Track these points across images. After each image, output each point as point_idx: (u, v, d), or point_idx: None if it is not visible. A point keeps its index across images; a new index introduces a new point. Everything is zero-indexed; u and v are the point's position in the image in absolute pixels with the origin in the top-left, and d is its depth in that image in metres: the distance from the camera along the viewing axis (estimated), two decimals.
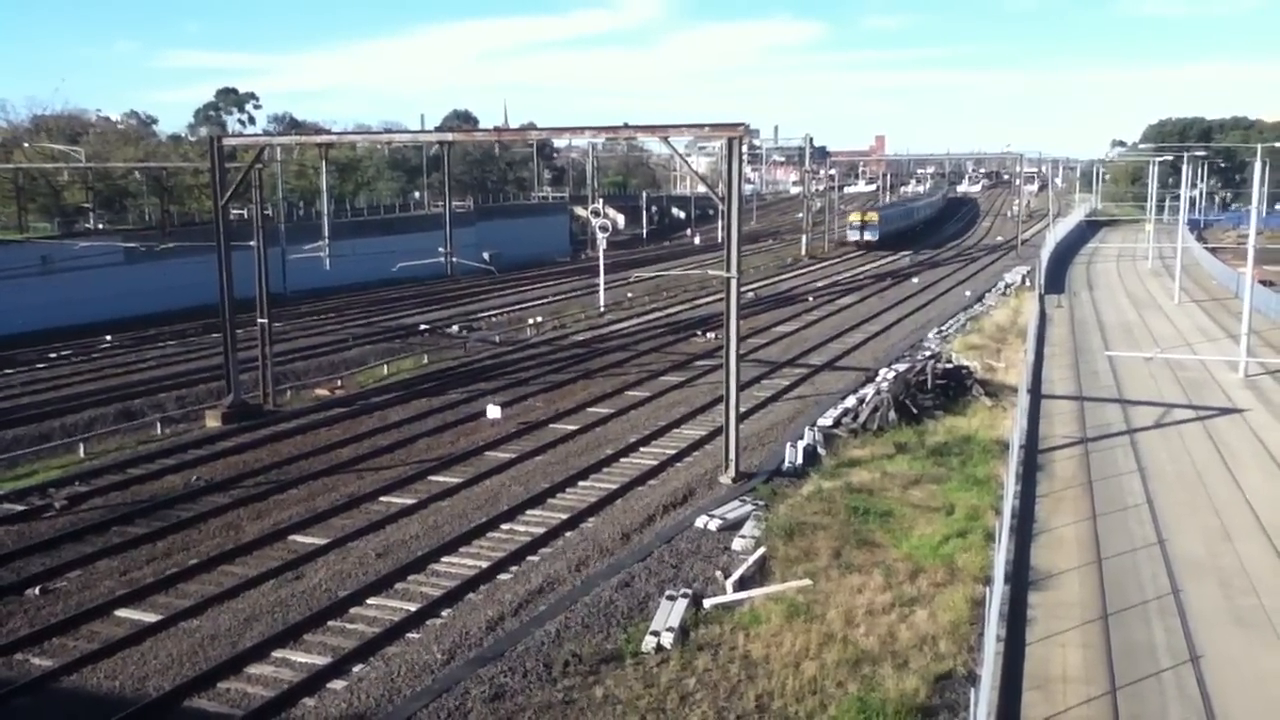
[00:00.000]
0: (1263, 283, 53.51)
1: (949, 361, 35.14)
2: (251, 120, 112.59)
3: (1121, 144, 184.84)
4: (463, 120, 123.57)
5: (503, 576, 20.43)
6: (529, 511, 24.23)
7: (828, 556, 19.48)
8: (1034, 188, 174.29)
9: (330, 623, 18.46)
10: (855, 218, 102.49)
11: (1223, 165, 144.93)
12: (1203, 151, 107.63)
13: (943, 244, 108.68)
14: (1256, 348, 39.48)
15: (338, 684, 16.20)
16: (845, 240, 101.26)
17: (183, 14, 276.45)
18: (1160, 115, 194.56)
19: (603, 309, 58.31)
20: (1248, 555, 19.37)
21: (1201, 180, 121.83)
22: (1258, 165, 39.67)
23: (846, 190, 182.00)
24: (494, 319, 56.01)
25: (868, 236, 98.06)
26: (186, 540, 22.60)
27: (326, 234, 36.79)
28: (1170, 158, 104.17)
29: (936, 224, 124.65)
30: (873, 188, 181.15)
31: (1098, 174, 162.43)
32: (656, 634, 16.44)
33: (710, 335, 47.58)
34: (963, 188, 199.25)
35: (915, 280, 75.50)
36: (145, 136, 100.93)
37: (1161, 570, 18.71)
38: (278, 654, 17.29)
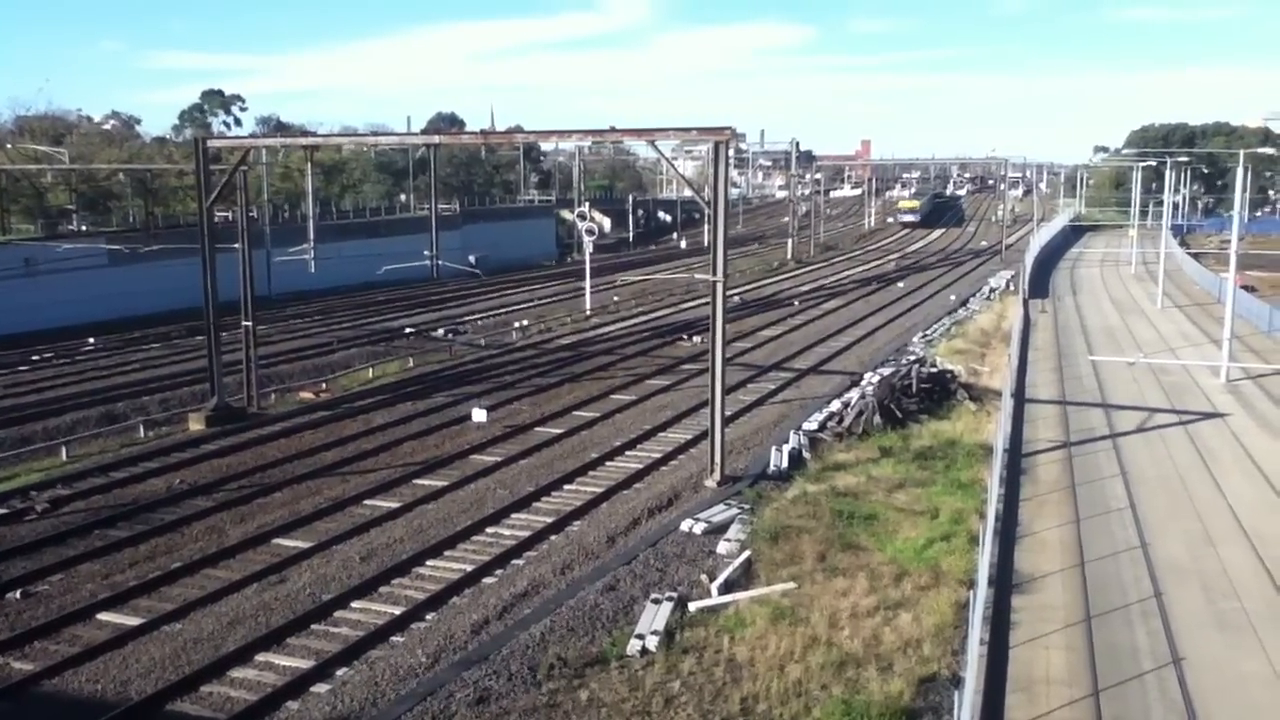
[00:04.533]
0: (1244, 288, 53.86)
1: (934, 366, 35.26)
2: (238, 122, 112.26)
3: (1104, 149, 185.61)
4: (449, 123, 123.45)
5: (488, 580, 20.40)
6: (514, 515, 24.19)
7: (813, 560, 19.52)
8: (1019, 193, 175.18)
9: (314, 626, 18.39)
10: (903, 206, 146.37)
11: (1205, 171, 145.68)
12: (1185, 157, 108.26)
13: (948, 226, 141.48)
14: (1238, 353, 39.72)
15: (321, 687, 16.14)
16: (896, 221, 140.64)
17: (168, 13, 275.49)
18: (1143, 121, 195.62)
19: (589, 312, 58.30)
20: (1229, 559, 19.49)
21: (1184, 186, 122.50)
22: (1239, 171, 39.91)
23: (833, 194, 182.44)
24: (480, 322, 55.93)
25: (912, 219, 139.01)
26: (169, 543, 22.49)
27: (312, 237, 36.81)
28: (1153, 163, 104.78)
29: (935, 215, 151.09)
30: (858, 192, 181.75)
31: (1082, 179, 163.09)
32: (641, 637, 16.44)
33: (696, 339, 47.62)
34: (948, 191, 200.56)
35: (900, 285, 75.78)
36: (129, 138, 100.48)
37: (1144, 573, 18.80)
38: (261, 657, 17.22)
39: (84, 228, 67.52)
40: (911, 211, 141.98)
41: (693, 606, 17.81)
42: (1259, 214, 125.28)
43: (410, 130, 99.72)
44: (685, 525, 21.79)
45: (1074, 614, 17.06)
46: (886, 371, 34.05)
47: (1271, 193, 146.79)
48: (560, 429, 32.29)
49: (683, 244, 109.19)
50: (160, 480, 27.02)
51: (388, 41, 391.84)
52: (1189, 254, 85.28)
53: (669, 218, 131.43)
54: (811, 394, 36.79)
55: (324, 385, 38.84)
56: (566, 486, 26.41)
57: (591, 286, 60.74)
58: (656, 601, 17.75)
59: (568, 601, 18.17)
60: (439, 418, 33.77)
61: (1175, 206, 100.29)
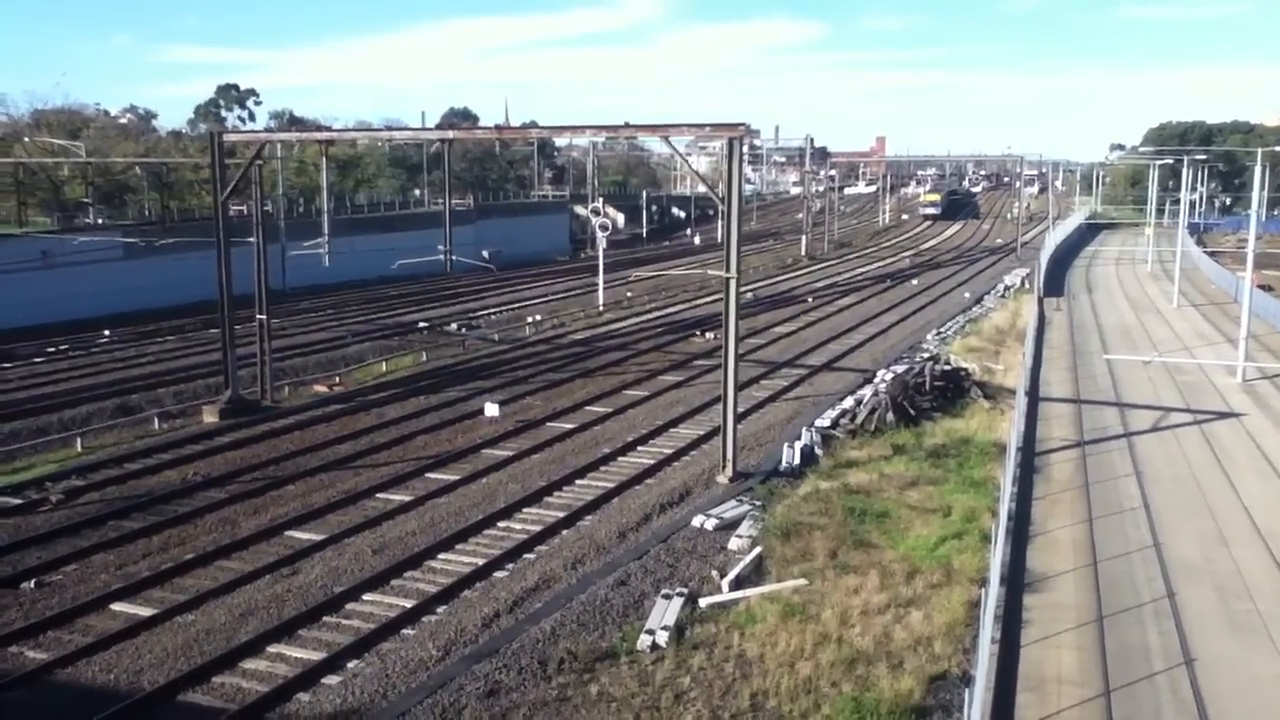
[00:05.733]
0: (1261, 287, 53.52)
1: (947, 363, 35.15)
2: (252, 117, 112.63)
3: (1121, 147, 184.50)
4: (463, 118, 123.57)
5: (499, 574, 20.43)
6: (526, 509, 24.23)
7: (824, 557, 19.51)
8: (1034, 190, 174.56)
9: (326, 618, 18.45)
10: (926, 199, 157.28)
11: (1222, 169, 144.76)
12: (1202, 155, 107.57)
13: (966, 219, 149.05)
14: (1254, 352, 39.49)
15: (332, 679, 16.20)
16: (919, 214, 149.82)
17: (182, 9, 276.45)
18: (1160, 118, 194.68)
19: (602, 308, 58.31)
20: (1243, 560, 19.39)
21: (1201, 184, 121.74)
22: (1257, 169, 39.68)
23: (847, 191, 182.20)
24: (493, 317, 56.00)
25: (933, 211, 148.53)
26: (183, 535, 22.60)
27: (326, 231, 36.77)
28: (1170, 161, 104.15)
29: (952, 210, 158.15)
30: (873, 189, 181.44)
31: (1098, 177, 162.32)
32: (652, 632, 16.46)
33: (709, 335, 47.58)
34: (963, 188, 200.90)
35: (915, 282, 75.56)
36: (145, 132, 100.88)
37: (1157, 573, 18.72)
38: (273, 649, 17.29)
39: (100, 221, 67.81)
40: (933, 204, 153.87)
41: (703, 602, 17.82)
42: (1276, 212, 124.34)
43: (424, 125, 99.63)
44: (696, 521, 21.79)
45: (1086, 613, 17.00)
46: (900, 369, 33.96)
47: None
48: (572, 424, 32.31)
49: (696, 240, 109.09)
50: (174, 472, 27.14)
51: (400, 37, 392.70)
52: (1205, 253, 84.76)
53: (683, 214, 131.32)
54: (824, 391, 36.71)
55: (337, 379, 38.95)
56: (578, 481, 26.43)
57: (605, 282, 60.74)
58: (667, 597, 17.76)
59: (578, 596, 18.21)
60: (451, 412, 33.83)
61: (1192, 205, 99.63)
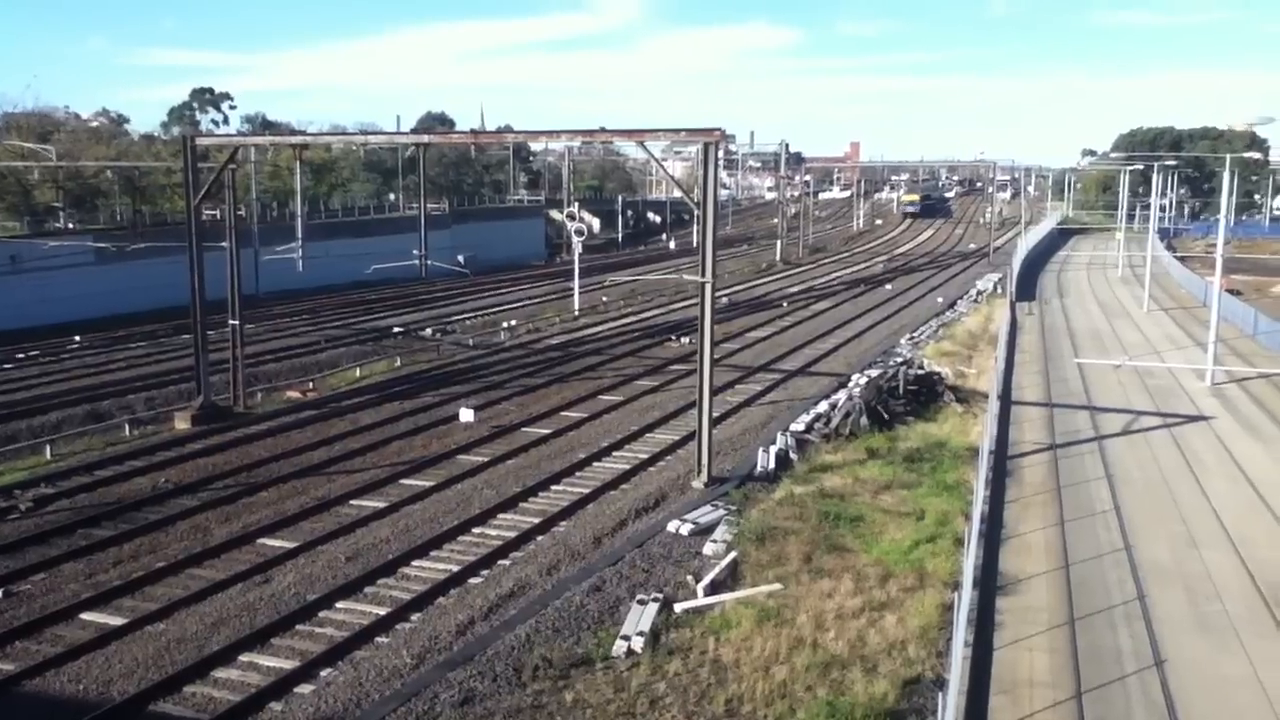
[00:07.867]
0: (1230, 292, 54.10)
1: (921, 368, 35.34)
2: (225, 120, 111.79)
3: (1092, 153, 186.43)
4: (439, 122, 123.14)
5: (473, 580, 20.37)
6: (501, 515, 24.16)
7: (798, 561, 19.55)
8: (1007, 195, 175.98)
9: (298, 626, 18.33)
10: (906, 199, 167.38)
11: (1192, 174, 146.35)
12: (1172, 161, 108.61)
13: (941, 219, 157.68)
14: (1223, 356, 39.88)
15: (305, 688, 16.09)
16: (900, 212, 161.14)
17: (158, 11, 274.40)
18: (1131, 124, 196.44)
19: (577, 313, 58.27)
20: (1213, 562, 19.57)
21: (1171, 189, 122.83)
22: (1226, 175, 40.15)
23: (821, 196, 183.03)
24: (468, 322, 55.84)
25: (913, 210, 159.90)
26: (154, 543, 22.38)
27: (300, 235, 36.65)
28: (1140, 167, 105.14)
29: (928, 211, 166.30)
30: (847, 194, 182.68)
31: (1069, 182, 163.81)
32: (627, 638, 16.44)
33: (684, 340, 47.64)
34: (935, 193, 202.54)
35: (889, 286, 75.97)
36: (117, 135, 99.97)
37: (1128, 576, 18.87)
38: (245, 658, 17.16)
39: (71, 225, 67.18)
40: (912, 204, 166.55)
41: (678, 608, 17.81)
42: (1244, 218, 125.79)
43: (400, 129, 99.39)
44: (672, 526, 21.80)
45: (1058, 616, 17.11)
46: (874, 373, 34.13)
47: (1257, 196, 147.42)
48: (548, 429, 32.26)
49: (672, 245, 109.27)
50: (145, 479, 26.87)
51: (377, 40, 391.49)
52: (1175, 257, 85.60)
53: (658, 218, 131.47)
54: (799, 395, 36.83)
55: (311, 384, 38.72)
56: (554, 487, 26.39)
57: (580, 287, 60.71)
58: (642, 603, 17.75)
59: (553, 602, 18.17)
60: (426, 417, 33.70)
61: (1162, 210, 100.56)
